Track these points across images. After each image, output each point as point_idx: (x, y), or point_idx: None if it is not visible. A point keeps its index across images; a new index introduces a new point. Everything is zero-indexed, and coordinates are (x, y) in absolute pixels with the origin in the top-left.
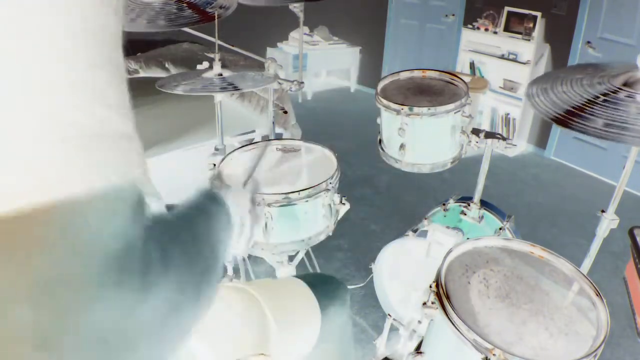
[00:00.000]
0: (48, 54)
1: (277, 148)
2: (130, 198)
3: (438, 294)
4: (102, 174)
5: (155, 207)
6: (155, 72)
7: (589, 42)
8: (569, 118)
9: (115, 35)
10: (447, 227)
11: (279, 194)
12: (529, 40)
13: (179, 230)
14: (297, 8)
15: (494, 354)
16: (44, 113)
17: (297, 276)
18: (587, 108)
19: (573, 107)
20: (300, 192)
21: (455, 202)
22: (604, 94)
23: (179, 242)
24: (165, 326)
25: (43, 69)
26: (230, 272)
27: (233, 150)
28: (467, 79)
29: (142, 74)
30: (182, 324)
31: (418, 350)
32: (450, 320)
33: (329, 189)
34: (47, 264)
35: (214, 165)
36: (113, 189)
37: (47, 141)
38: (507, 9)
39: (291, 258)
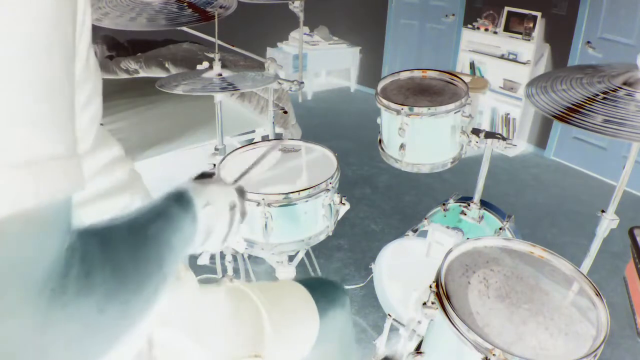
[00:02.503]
0: None
1: (277, 148)
2: (53, 220)
3: (438, 294)
4: (16, 198)
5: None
6: (155, 72)
7: (589, 42)
8: (568, 114)
9: (43, 48)
10: (447, 227)
11: (279, 194)
12: (529, 40)
13: (119, 243)
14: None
15: (494, 354)
16: None
17: (297, 279)
18: (586, 105)
19: (573, 104)
20: (301, 192)
21: (455, 202)
22: (604, 92)
23: (113, 258)
24: (78, 348)
25: None
26: (230, 272)
27: (233, 150)
28: (467, 79)
29: (142, 74)
30: (99, 345)
31: (418, 350)
32: (450, 321)
33: (329, 189)
34: None
35: (214, 165)
36: (31, 212)
37: None
38: (507, 9)
39: (291, 258)
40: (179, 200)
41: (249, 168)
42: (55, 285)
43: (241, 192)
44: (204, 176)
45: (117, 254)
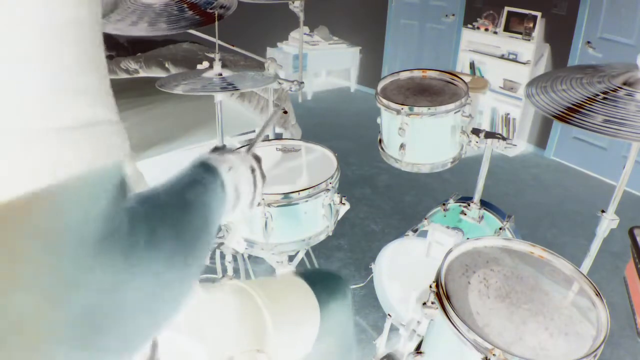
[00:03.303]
0: (14, 49)
1: (277, 148)
2: (110, 182)
3: (438, 294)
4: (81, 160)
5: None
6: (155, 72)
7: (589, 42)
8: (568, 114)
9: (86, 25)
10: (447, 227)
11: (279, 193)
12: (529, 40)
13: (168, 205)
14: (297, 8)
15: (494, 354)
16: (17, 107)
17: (296, 273)
18: (586, 105)
19: (573, 104)
20: (301, 192)
21: (455, 202)
22: (604, 92)
23: (167, 217)
24: (153, 302)
25: (12, 66)
26: (230, 272)
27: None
28: (467, 79)
29: (142, 74)
30: (170, 299)
31: (418, 350)
32: (450, 320)
33: (329, 189)
34: (32, 253)
35: (223, 147)
36: (94, 173)
37: (23, 134)
38: (507, 9)
39: (291, 258)
40: (204, 168)
41: (257, 137)
42: (127, 242)
43: (256, 158)
44: (217, 150)
45: (170, 214)
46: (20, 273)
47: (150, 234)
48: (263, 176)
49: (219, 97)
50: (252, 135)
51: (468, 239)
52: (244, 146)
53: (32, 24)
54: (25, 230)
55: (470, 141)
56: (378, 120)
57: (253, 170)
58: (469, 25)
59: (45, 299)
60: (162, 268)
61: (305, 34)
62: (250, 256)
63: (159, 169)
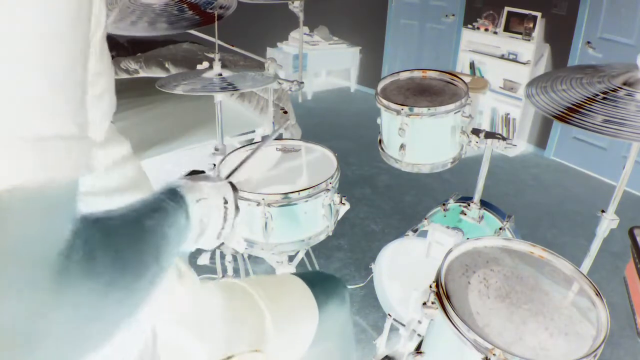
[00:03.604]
0: None
1: (277, 148)
2: (56, 200)
3: (438, 294)
4: (21, 173)
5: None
6: (155, 72)
7: (589, 42)
8: (568, 114)
9: (56, 35)
10: (447, 227)
11: (279, 194)
12: (529, 40)
13: (118, 231)
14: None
15: (494, 354)
16: None
17: (295, 273)
18: (586, 105)
19: (573, 104)
20: (300, 192)
21: (455, 202)
22: (604, 92)
23: (113, 245)
24: (80, 328)
25: None
26: (230, 272)
27: (233, 150)
28: (467, 79)
29: (142, 74)
30: (100, 328)
31: (418, 350)
32: (450, 320)
33: (329, 189)
34: None
35: (214, 165)
36: (37, 189)
37: None
38: (507, 9)
39: (291, 258)
40: (171, 196)
41: (240, 164)
42: (60, 267)
43: (233, 187)
44: (194, 173)
45: (117, 241)
46: None
47: (87, 261)
48: (237, 208)
49: (219, 97)
50: (252, 136)
51: (468, 239)
52: (231, 172)
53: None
54: None
55: (470, 141)
56: (378, 121)
57: (225, 202)
58: (469, 25)
59: None
60: (94, 297)
61: (305, 34)
62: (250, 256)
63: (159, 169)
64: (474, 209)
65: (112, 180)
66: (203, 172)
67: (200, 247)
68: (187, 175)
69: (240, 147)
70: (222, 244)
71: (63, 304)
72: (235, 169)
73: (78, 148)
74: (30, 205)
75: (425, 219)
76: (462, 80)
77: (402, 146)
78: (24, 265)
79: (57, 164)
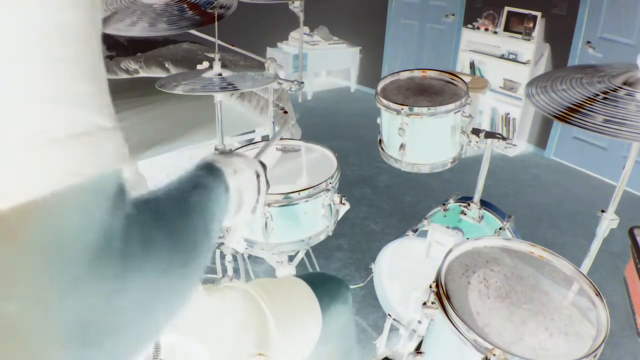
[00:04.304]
0: (9, 56)
1: (277, 148)
2: (108, 190)
3: (438, 294)
4: (78, 169)
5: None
6: (155, 72)
7: (589, 42)
8: (568, 114)
9: (84, 31)
10: (447, 227)
11: (279, 194)
12: (529, 40)
13: (167, 210)
14: (297, 8)
15: (494, 354)
16: (8, 122)
17: (298, 276)
18: (586, 105)
19: (573, 104)
20: (301, 192)
21: (455, 202)
22: (604, 92)
23: (165, 224)
24: (147, 311)
25: (5, 73)
26: (230, 272)
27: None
28: (467, 79)
29: (142, 74)
30: (165, 307)
31: (418, 350)
32: (450, 320)
33: (329, 189)
34: (29, 260)
35: (230, 150)
36: (90, 182)
37: (19, 143)
38: (507, 9)
39: (291, 258)
40: (209, 170)
41: (266, 146)
42: (121, 253)
43: (262, 164)
44: (223, 153)
45: (169, 219)
46: (14, 281)
47: (146, 242)
48: (267, 183)
49: (219, 97)
50: (252, 136)
51: (468, 239)
52: (252, 150)
53: (28, 28)
54: (21, 240)
55: (470, 141)
56: (378, 120)
57: (258, 176)
58: (469, 25)
59: (39, 308)
60: (157, 276)
61: (305, 34)
62: (250, 256)
63: (159, 169)
64: (474, 209)
65: None
66: (231, 150)
67: (237, 223)
68: (218, 153)
69: (240, 147)
70: (222, 244)
71: (129, 289)
72: (261, 151)
73: (118, 138)
74: (87, 199)
75: (425, 219)
76: (462, 80)
77: (402, 146)
78: (88, 258)
79: (105, 154)
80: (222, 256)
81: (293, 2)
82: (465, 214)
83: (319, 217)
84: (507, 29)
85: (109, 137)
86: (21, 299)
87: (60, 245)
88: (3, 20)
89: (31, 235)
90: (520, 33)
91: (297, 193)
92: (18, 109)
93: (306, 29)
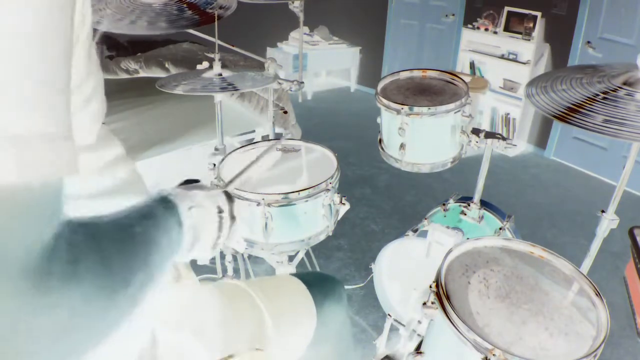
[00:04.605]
0: None
1: (277, 148)
2: (37, 204)
3: (438, 294)
4: (10, 174)
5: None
6: (155, 72)
7: (589, 42)
8: (568, 114)
9: (38, 36)
10: (447, 227)
11: (279, 194)
12: (529, 40)
13: (106, 236)
14: (297, 8)
15: (494, 354)
16: None
17: (293, 274)
18: (586, 105)
19: (573, 104)
20: (300, 192)
21: (455, 202)
22: (604, 92)
23: (100, 249)
24: (66, 336)
25: None
26: (230, 272)
27: (233, 150)
28: (467, 78)
29: (142, 74)
30: (86, 336)
31: (418, 350)
32: (450, 321)
33: (329, 189)
34: None
35: (214, 165)
36: (23, 190)
37: None
38: (507, 9)
39: (291, 258)
40: (162, 203)
41: (242, 171)
42: (41, 270)
43: (229, 197)
44: (188, 182)
45: (104, 245)
46: None
47: (73, 265)
48: (232, 217)
49: (219, 97)
50: (252, 135)
51: (468, 239)
52: (233, 179)
53: None
54: None
55: (470, 141)
56: (378, 120)
57: (220, 211)
58: (469, 25)
59: None
60: (81, 302)
61: (305, 34)
62: (250, 256)
63: (159, 169)
64: (474, 209)
65: (104, 182)
66: (197, 181)
67: (197, 257)
68: (180, 184)
69: (240, 147)
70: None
71: (46, 308)
72: (235, 178)
73: (62, 148)
74: (11, 206)
75: (425, 219)
76: (462, 80)
77: (402, 146)
78: (8, 265)
79: (39, 164)
80: (222, 256)
81: (293, 2)
82: (465, 214)
83: (319, 217)
84: (507, 29)
85: (55, 146)
86: None
87: None
88: None
89: None
90: (520, 33)
91: (297, 193)
92: None
93: (306, 29)
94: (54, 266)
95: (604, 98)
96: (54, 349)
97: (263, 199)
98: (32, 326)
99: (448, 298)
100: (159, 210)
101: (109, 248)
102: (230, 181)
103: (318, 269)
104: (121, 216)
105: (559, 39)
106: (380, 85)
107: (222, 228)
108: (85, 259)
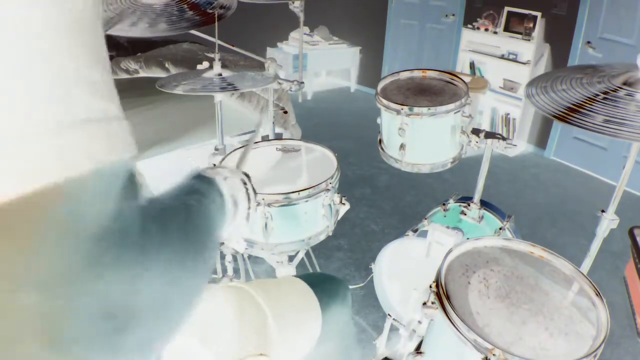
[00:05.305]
0: (22, 45)
1: (277, 148)
2: (122, 177)
3: (438, 294)
4: (92, 156)
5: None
6: (155, 72)
7: (589, 42)
8: (568, 114)
9: (90, 19)
10: (447, 227)
11: (279, 194)
12: (529, 40)
13: (172, 208)
14: (297, 8)
15: (494, 354)
16: (26, 107)
17: (298, 276)
18: (586, 105)
19: (573, 104)
20: (301, 192)
21: (455, 202)
22: (604, 92)
23: (174, 218)
24: (168, 299)
25: (19, 62)
26: (230, 272)
27: (233, 150)
28: (467, 79)
29: (142, 74)
30: (183, 297)
31: (418, 350)
32: (450, 320)
33: (329, 189)
34: (47, 249)
35: (214, 165)
36: (105, 170)
37: (36, 127)
38: (507, 9)
39: (291, 258)
40: (202, 179)
41: (244, 155)
42: (138, 237)
43: (246, 175)
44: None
45: (176, 217)
46: (32, 269)
47: (161, 232)
48: (254, 191)
49: (219, 97)
50: (251, 135)
51: (468, 239)
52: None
53: (38, 15)
54: (38, 224)
55: (470, 141)
56: (378, 120)
57: (245, 184)
58: (469, 25)
59: (59, 295)
60: (173, 266)
61: (305, 34)
62: (250, 256)
63: (159, 169)
64: (474, 209)
65: None
66: (215, 165)
67: (234, 231)
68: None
69: (240, 147)
70: (222, 244)
71: (149, 276)
72: (242, 158)
73: (127, 126)
74: (103, 186)
75: (425, 219)
76: (462, 80)
77: (402, 146)
78: (106, 243)
79: (118, 144)
80: (222, 256)
81: (293, 2)
82: (465, 214)
83: (319, 217)
84: (507, 29)
85: (121, 125)
86: (41, 288)
87: (78, 230)
88: (23, 15)
89: (47, 221)
90: (520, 33)
91: (297, 193)
92: (32, 92)
93: (306, 29)
94: (147, 234)
95: (604, 98)
96: (161, 315)
97: (263, 199)
98: (142, 292)
99: (448, 298)
100: (201, 185)
101: (180, 217)
102: (241, 160)
103: (318, 269)
104: (173, 194)
105: (559, 39)
106: (380, 85)
107: (249, 198)
108: (170, 226)
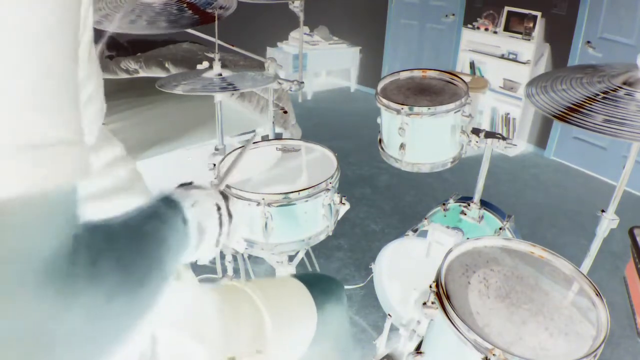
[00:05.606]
0: None
1: (277, 148)
2: (61, 206)
3: (438, 294)
4: (31, 180)
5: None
6: (155, 72)
7: (589, 42)
8: (568, 114)
9: (54, 37)
10: (447, 227)
11: (279, 193)
12: (529, 40)
13: (118, 237)
14: (297, 8)
15: (494, 354)
16: None
17: (293, 275)
18: (586, 105)
19: (573, 104)
20: (300, 192)
21: (455, 202)
22: (604, 92)
23: (116, 250)
24: (88, 333)
25: None
26: (230, 272)
27: (233, 150)
28: (467, 78)
29: (142, 74)
30: (110, 334)
31: (418, 350)
32: (450, 320)
33: (329, 189)
34: None
35: (214, 165)
36: (41, 197)
37: None
38: (507, 8)
39: (291, 258)
40: (167, 203)
41: (227, 171)
42: (66, 271)
43: (224, 196)
44: (183, 185)
45: (119, 246)
46: None
47: (93, 266)
48: (230, 215)
49: (219, 97)
50: (251, 136)
51: (468, 239)
52: (223, 178)
53: None
54: None
55: (470, 141)
56: (378, 120)
57: (219, 209)
58: (469, 25)
59: None
60: (103, 302)
61: (305, 34)
62: (250, 256)
63: (159, 169)
64: (474, 209)
65: (104, 182)
66: (191, 183)
67: (201, 257)
68: (177, 187)
69: (240, 147)
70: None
71: (73, 308)
72: (224, 177)
73: (76, 152)
74: (34, 213)
75: (425, 218)
76: (462, 80)
77: (402, 146)
78: (33, 270)
79: (57, 170)
80: (222, 256)
81: (293, 2)
82: (465, 214)
83: (319, 217)
84: (507, 29)
85: (69, 151)
86: None
87: (8, 254)
88: None
89: None
90: (520, 33)
91: (297, 193)
92: None
93: (306, 29)
94: (77, 267)
95: (604, 98)
96: (82, 348)
97: (263, 199)
98: (63, 323)
99: (448, 298)
100: (164, 210)
101: (124, 248)
102: (222, 180)
103: (318, 269)
104: (130, 217)
105: (559, 39)
106: (380, 85)
107: (222, 224)
108: (104, 260)
